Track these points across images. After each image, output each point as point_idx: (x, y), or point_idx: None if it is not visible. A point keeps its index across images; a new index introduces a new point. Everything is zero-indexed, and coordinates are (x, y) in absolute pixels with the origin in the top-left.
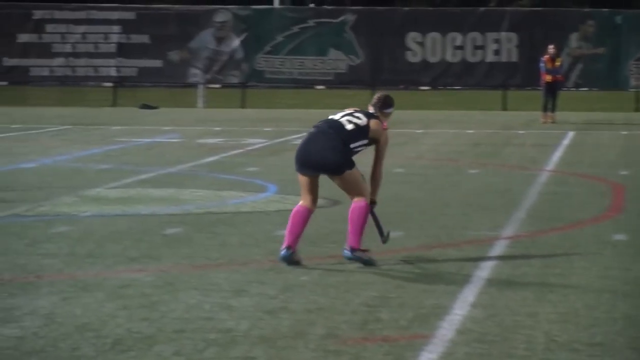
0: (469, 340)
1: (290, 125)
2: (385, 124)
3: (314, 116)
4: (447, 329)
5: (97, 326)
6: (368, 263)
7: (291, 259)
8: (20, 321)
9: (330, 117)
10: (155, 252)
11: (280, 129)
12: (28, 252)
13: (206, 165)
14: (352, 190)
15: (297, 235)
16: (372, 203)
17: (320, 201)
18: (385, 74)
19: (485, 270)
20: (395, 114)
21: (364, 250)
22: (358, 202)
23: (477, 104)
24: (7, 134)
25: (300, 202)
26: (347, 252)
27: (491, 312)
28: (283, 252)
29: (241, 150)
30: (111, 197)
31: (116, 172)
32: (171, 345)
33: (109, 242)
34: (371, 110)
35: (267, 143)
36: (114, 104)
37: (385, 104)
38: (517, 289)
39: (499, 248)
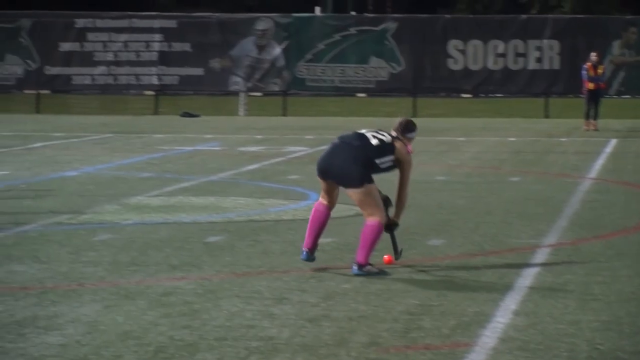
0: (512, 349)
1: (332, 133)
2: (409, 147)
3: (355, 124)
4: (489, 337)
5: (139, 334)
6: (380, 274)
7: (310, 260)
8: (63, 329)
9: (357, 131)
10: (197, 260)
11: (321, 136)
12: (71, 260)
13: (248, 173)
14: (368, 207)
15: (315, 236)
16: (395, 225)
17: (359, 209)
18: (426, 82)
19: (527, 278)
20: (437, 121)
21: (371, 265)
22: (371, 221)
23: (519, 112)
24: (50, 142)
25: (320, 200)
26: (355, 269)
27: (533, 320)
28: (303, 255)
29: (282, 158)
30: (153, 205)
31: (158, 180)
32: (213, 353)
33: (151, 250)
34: (394, 134)
35: (308, 151)
36: (156, 112)
37: (407, 129)
38: (560, 297)
39: (541, 256)
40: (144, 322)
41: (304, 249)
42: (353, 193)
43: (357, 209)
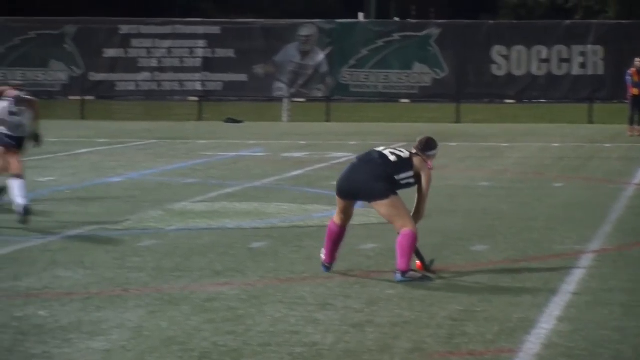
0: (556, 355)
1: (375, 139)
2: (430, 164)
3: (398, 129)
4: (533, 342)
5: (183, 339)
6: (424, 279)
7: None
8: (108, 334)
9: (374, 149)
10: (241, 266)
11: (365, 142)
12: (115, 265)
13: (291, 179)
14: (398, 218)
15: (333, 252)
16: None
17: None
18: (470, 88)
19: (571, 284)
20: (480, 127)
21: (414, 270)
22: (405, 231)
23: (563, 117)
24: (95, 148)
25: (333, 218)
26: (398, 276)
27: (578, 326)
28: (324, 268)
29: (326, 164)
30: (197, 211)
31: (202, 186)
32: (257, 359)
33: (195, 256)
34: (413, 152)
35: (351, 157)
36: (200, 118)
37: (427, 147)
38: (604, 303)
39: (585, 261)
40: (188, 328)
41: (326, 263)
42: (381, 206)
43: None
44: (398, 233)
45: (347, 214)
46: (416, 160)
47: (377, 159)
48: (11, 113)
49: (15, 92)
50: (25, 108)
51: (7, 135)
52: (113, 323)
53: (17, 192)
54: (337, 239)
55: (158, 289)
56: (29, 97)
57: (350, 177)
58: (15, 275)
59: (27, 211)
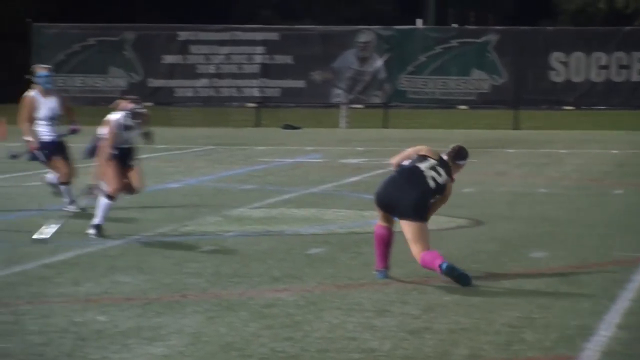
0: None
1: (433, 145)
2: (454, 175)
3: (456, 136)
4: (592, 350)
5: (241, 345)
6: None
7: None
8: (166, 340)
9: (417, 164)
10: (299, 272)
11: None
12: (174, 271)
13: (349, 185)
14: (419, 244)
15: (385, 256)
16: None
17: (462, 221)
18: (528, 94)
19: (631, 291)
20: (539, 134)
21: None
22: (420, 254)
23: (622, 124)
24: (153, 154)
25: (379, 222)
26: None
27: (637, 334)
28: (379, 275)
29: (384, 170)
30: (255, 217)
31: (259, 192)
32: None
33: (253, 262)
34: (445, 158)
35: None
36: (257, 124)
37: (459, 155)
38: None
39: None
40: (246, 334)
41: (380, 269)
42: (409, 226)
43: (457, 222)
44: (415, 256)
45: (389, 220)
46: (449, 186)
47: (418, 181)
48: (126, 127)
49: (131, 105)
50: (140, 122)
51: (115, 148)
52: (171, 328)
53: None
54: (386, 241)
55: (216, 294)
56: (143, 110)
57: (390, 192)
58: (75, 281)
59: (98, 229)
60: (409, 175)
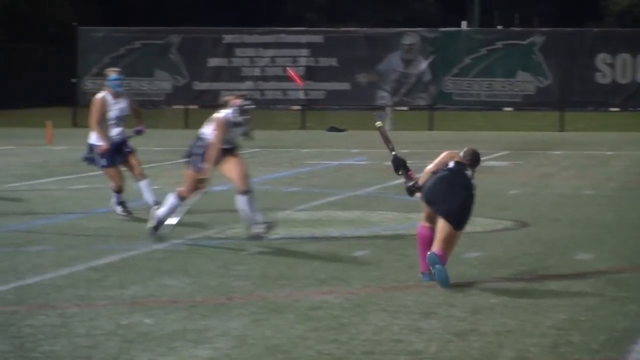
0: None
1: (479, 147)
2: None
3: (501, 138)
4: (639, 352)
5: (287, 348)
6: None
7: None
8: (212, 342)
9: (464, 171)
10: (345, 274)
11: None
12: (219, 274)
13: (394, 188)
14: (451, 244)
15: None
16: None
17: (507, 223)
18: (574, 96)
19: None
20: (584, 135)
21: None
22: (439, 252)
23: None
24: None
25: (422, 223)
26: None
27: None
28: (425, 277)
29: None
30: (300, 219)
31: (305, 194)
32: None
33: (299, 265)
34: (462, 161)
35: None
36: (302, 126)
37: (475, 162)
38: None
39: None
40: (292, 336)
41: (426, 271)
42: (448, 229)
43: (503, 223)
44: (433, 246)
45: (433, 221)
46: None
47: (467, 186)
48: (235, 124)
49: (239, 101)
50: (249, 118)
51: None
52: (217, 331)
53: (251, 209)
54: (430, 243)
55: (262, 297)
56: (252, 106)
57: (443, 192)
58: (121, 283)
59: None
60: (460, 178)
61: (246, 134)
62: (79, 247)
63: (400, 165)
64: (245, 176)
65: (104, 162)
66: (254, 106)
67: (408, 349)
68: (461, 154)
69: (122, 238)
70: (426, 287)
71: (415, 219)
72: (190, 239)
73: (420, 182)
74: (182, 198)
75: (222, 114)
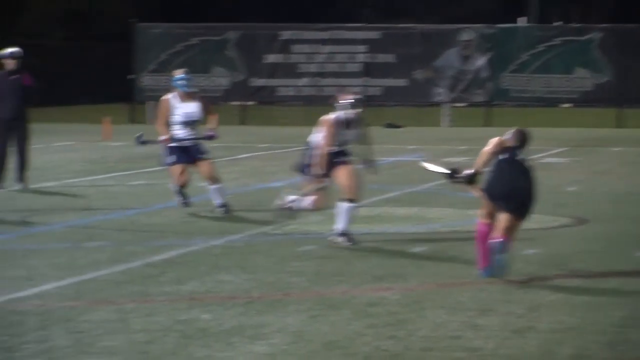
0: None
1: (536, 144)
2: None
3: (559, 134)
4: None
5: (345, 344)
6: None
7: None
8: (269, 338)
9: (518, 157)
10: (402, 271)
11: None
12: (276, 270)
13: (451, 184)
14: (511, 231)
15: (487, 254)
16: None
17: (566, 220)
18: (632, 92)
19: None
20: None
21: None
22: (503, 239)
23: None
24: (256, 154)
25: (482, 220)
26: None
27: None
28: (483, 273)
29: (486, 169)
30: (357, 215)
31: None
32: None
33: (356, 261)
34: (514, 144)
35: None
36: None
37: (525, 142)
38: None
39: None
40: (349, 332)
41: (484, 267)
42: (512, 217)
43: (561, 220)
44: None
45: (493, 217)
46: None
47: (525, 172)
48: (347, 123)
49: (350, 96)
50: (361, 113)
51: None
52: (274, 327)
53: (346, 218)
54: (487, 237)
55: (319, 293)
56: (361, 101)
57: (504, 187)
58: (179, 279)
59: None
60: (525, 169)
61: (360, 137)
62: (137, 243)
63: (469, 179)
64: (357, 186)
65: (168, 159)
66: (363, 101)
67: (466, 346)
68: (508, 136)
69: (179, 234)
70: (484, 284)
71: (472, 216)
72: (247, 235)
73: (478, 167)
74: (352, 200)
75: (332, 115)
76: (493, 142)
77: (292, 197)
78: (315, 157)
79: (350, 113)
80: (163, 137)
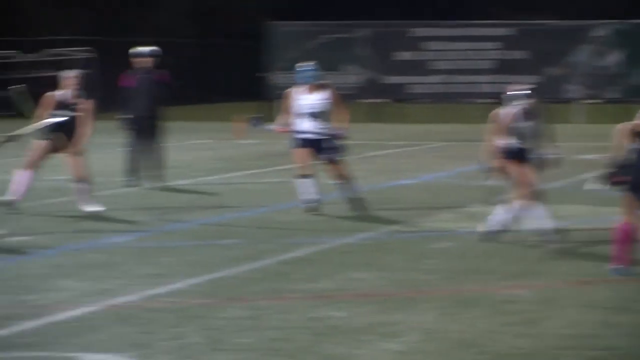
0: None
1: None
2: None
3: None
4: None
5: (478, 342)
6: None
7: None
8: (402, 336)
9: None
10: (535, 268)
11: None
12: (408, 267)
13: (584, 181)
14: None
15: (626, 252)
16: None
17: None
18: None
19: None
20: None
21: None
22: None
23: None
24: (388, 151)
25: (627, 219)
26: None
27: None
28: (618, 272)
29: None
30: (489, 213)
31: (494, 188)
32: None
33: (488, 258)
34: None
35: None
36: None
37: None
38: None
39: None
40: (483, 330)
41: (620, 266)
42: None
43: None
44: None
45: (636, 216)
46: None
47: None
48: (526, 115)
49: (522, 87)
50: (534, 103)
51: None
52: (407, 325)
53: (513, 218)
54: (631, 238)
55: (451, 291)
56: (534, 92)
57: None
58: (310, 277)
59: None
60: None
61: (538, 133)
62: (269, 241)
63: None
64: (535, 185)
65: (292, 143)
66: (535, 93)
67: (601, 344)
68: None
69: (310, 232)
70: (618, 282)
71: (606, 213)
72: (379, 233)
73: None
74: (527, 205)
75: (507, 109)
76: (620, 132)
77: (496, 217)
78: (495, 155)
79: (526, 104)
80: (278, 126)
